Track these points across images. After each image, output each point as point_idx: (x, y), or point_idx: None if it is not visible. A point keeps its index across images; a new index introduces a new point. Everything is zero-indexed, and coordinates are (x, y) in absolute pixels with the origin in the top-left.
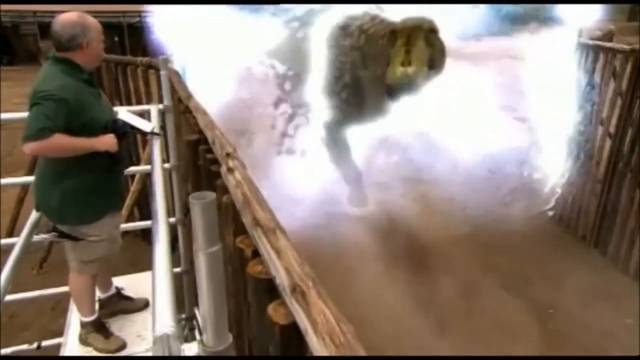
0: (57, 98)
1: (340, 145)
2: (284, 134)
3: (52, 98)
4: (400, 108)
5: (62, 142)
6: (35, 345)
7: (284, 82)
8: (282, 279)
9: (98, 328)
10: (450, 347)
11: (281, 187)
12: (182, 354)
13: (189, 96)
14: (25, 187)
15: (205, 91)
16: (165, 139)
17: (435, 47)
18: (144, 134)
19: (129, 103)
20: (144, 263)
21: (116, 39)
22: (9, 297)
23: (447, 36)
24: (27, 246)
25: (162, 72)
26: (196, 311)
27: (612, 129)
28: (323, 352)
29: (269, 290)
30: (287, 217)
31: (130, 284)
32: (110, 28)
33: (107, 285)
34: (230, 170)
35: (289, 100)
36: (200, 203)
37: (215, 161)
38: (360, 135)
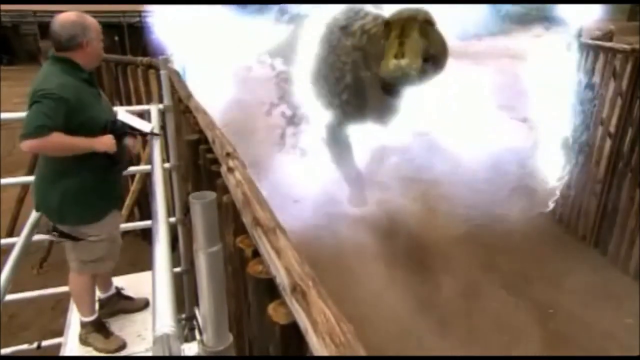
0: (56, 97)
1: (341, 145)
2: (284, 134)
3: (51, 97)
4: (401, 108)
5: (60, 141)
6: (35, 345)
7: (284, 82)
8: (282, 279)
9: (98, 328)
10: (451, 347)
11: (281, 187)
12: (182, 354)
13: (189, 96)
14: (25, 187)
15: (205, 91)
16: (166, 138)
17: (431, 39)
18: (143, 134)
19: (129, 103)
20: (144, 263)
21: (116, 38)
22: (9, 297)
23: (447, 36)
24: (27, 246)
25: (162, 72)
26: (196, 311)
27: (612, 129)
28: (323, 352)
29: (269, 290)
30: (287, 217)
31: (130, 283)
32: (110, 28)
33: (107, 285)
34: (230, 169)
35: (289, 101)
36: (201, 203)
37: (216, 161)
38: (361, 136)
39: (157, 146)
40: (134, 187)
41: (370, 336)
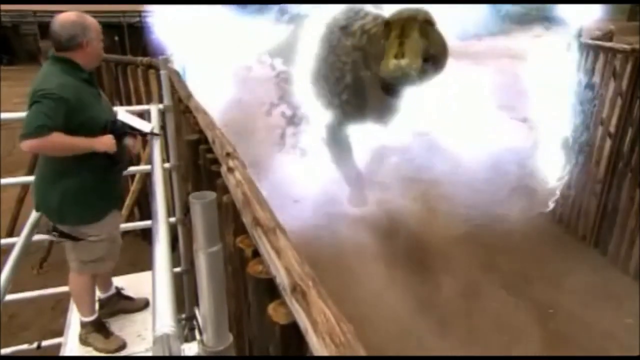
0: (56, 97)
1: (341, 146)
2: (284, 134)
3: (51, 97)
4: (401, 108)
5: (60, 141)
6: (35, 345)
7: (284, 82)
8: (282, 279)
9: (98, 328)
10: (451, 347)
11: (281, 187)
12: (182, 354)
13: (189, 96)
14: (25, 187)
15: (205, 91)
16: (165, 138)
17: (431, 39)
18: (143, 134)
19: (129, 103)
20: (144, 263)
21: (116, 38)
22: (9, 297)
23: (447, 36)
24: (27, 246)
25: (162, 72)
26: (196, 311)
27: (612, 129)
28: (323, 352)
29: (269, 290)
30: (287, 217)
31: (130, 283)
32: (110, 28)
33: (107, 285)
34: (230, 169)
35: (289, 101)
36: (201, 203)
37: (216, 161)
38: (361, 136)
39: (157, 146)
40: (134, 187)
41: (370, 336)
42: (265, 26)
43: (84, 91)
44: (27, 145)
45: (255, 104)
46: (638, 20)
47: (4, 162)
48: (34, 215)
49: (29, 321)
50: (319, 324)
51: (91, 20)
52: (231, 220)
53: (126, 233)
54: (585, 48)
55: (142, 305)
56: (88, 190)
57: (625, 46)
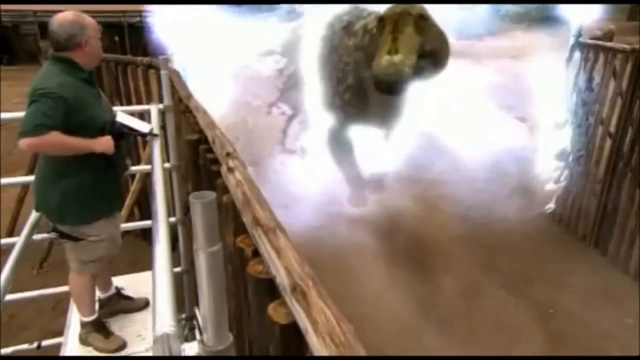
0: (55, 96)
1: (342, 146)
2: (284, 134)
3: (50, 96)
4: (404, 109)
5: (58, 140)
6: (35, 345)
7: (284, 82)
8: (282, 279)
9: (98, 328)
10: (451, 346)
11: (281, 187)
12: (182, 354)
13: (189, 96)
14: (25, 187)
15: (205, 91)
16: (166, 138)
17: (427, 34)
18: (142, 135)
19: (129, 103)
20: (144, 263)
21: (116, 38)
22: (9, 297)
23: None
24: (27, 246)
25: (163, 72)
26: (196, 311)
27: (612, 129)
28: (323, 352)
29: (269, 289)
30: (287, 217)
31: (130, 283)
32: (111, 28)
33: (107, 285)
34: (230, 169)
35: (289, 101)
36: (201, 202)
37: (216, 161)
38: (362, 136)
39: (157, 146)
40: (134, 187)
41: (370, 336)
42: (265, 26)
43: (83, 91)
44: (25, 143)
45: (256, 104)
46: (638, 20)
47: (4, 162)
48: (34, 215)
49: (29, 321)
50: (319, 324)
51: (89, 20)
52: (231, 220)
53: (126, 233)
54: (585, 48)
55: (142, 305)
56: (88, 190)
57: (625, 46)
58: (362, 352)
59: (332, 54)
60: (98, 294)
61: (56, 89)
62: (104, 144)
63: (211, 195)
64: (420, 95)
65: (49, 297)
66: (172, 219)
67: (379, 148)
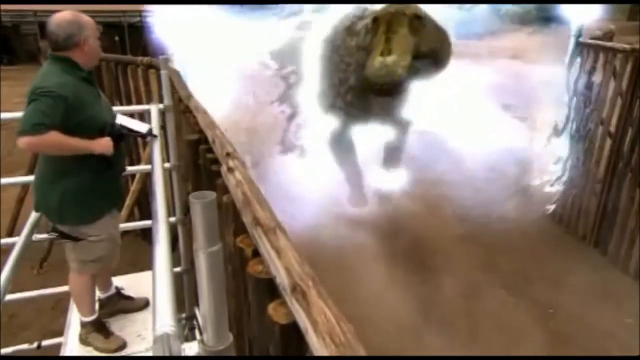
0: (55, 95)
1: (344, 147)
2: (285, 134)
3: (50, 95)
4: (407, 110)
5: (57, 140)
6: (35, 344)
7: (285, 82)
8: (282, 279)
9: (98, 328)
10: (451, 346)
11: (281, 187)
12: (182, 354)
13: (189, 96)
14: (25, 186)
15: (205, 91)
16: (166, 138)
17: (423, 35)
18: (142, 136)
19: (129, 103)
20: (144, 263)
21: (116, 38)
22: (9, 297)
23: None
24: (27, 246)
25: (163, 72)
26: (196, 311)
27: (612, 129)
28: (323, 352)
29: (269, 289)
30: (287, 217)
31: (130, 283)
32: (111, 28)
33: (107, 285)
34: (230, 169)
35: (290, 101)
36: (201, 202)
37: (216, 161)
38: (363, 137)
39: (157, 146)
40: (134, 187)
41: (370, 336)
42: (265, 26)
43: (83, 90)
44: (24, 142)
45: (256, 104)
46: (638, 20)
47: (4, 162)
48: (34, 215)
49: (29, 321)
50: (319, 324)
51: (87, 19)
52: (231, 220)
53: (126, 233)
54: (585, 48)
55: (142, 305)
56: (88, 190)
57: (625, 46)
58: (362, 352)
59: (333, 54)
60: (98, 294)
61: (55, 88)
62: (103, 145)
63: (211, 195)
64: (420, 95)
65: (49, 297)
66: (172, 219)
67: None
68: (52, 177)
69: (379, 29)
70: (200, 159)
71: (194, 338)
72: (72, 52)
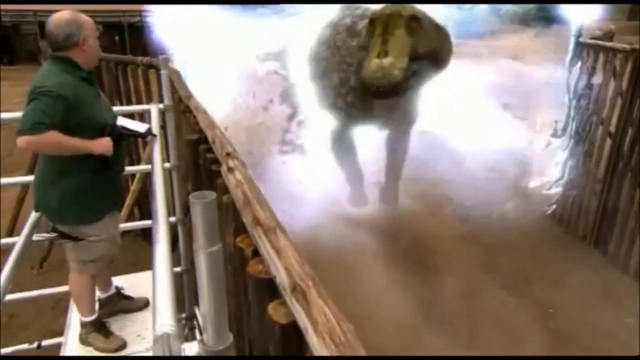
0: (54, 94)
1: (345, 147)
2: (285, 134)
3: (49, 94)
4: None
5: (56, 140)
6: (35, 344)
7: (285, 82)
8: (282, 279)
9: (98, 328)
10: (451, 346)
11: (281, 186)
12: (182, 354)
13: (189, 96)
14: (25, 186)
15: (206, 91)
16: (166, 138)
17: (420, 36)
18: (141, 136)
19: (129, 102)
20: (144, 262)
21: (116, 38)
22: (9, 297)
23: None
24: (27, 246)
25: (163, 72)
26: (196, 310)
27: (612, 129)
28: (323, 352)
29: (269, 289)
30: (287, 217)
31: (130, 283)
32: (111, 27)
33: (107, 285)
34: (230, 169)
35: (290, 101)
36: (201, 202)
37: (216, 160)
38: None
39: (157, 146)
40: (134, 187)
41: (370, 336)
42: (265, 26)
43: (82, 90)
44: (24, 141)
45: (256, 104)
46: (638, 20)
47: (4, 162)
48: (34, 215)
49: (29, 321)
50: (319, 324)
51: (86, 19)
52: (231, 220)
53: (126, 233)
54: (585, 48)
55: (142, 305)
56: (88, 190)
57: (625, 46)
58: (362, 352)
59: (334, 54)
60: (98, 294)
61: (55, 87)
62: (103, 145)
63: (211, 195)
64: (421, 96)
65: (49, 297)
66: (172, 219)
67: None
68: (52, 177)
69: (375, 31)
70: (200, 158)
71: (194, 338)
72: (71, 52)
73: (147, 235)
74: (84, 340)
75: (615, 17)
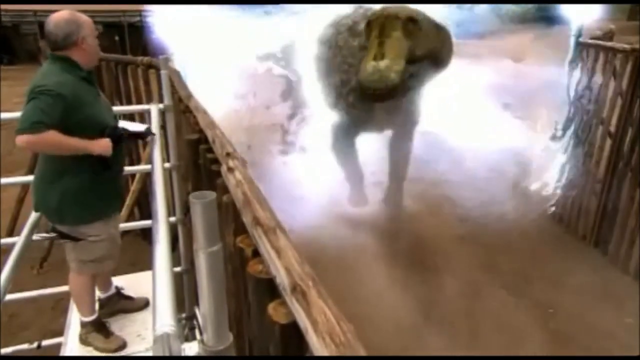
0: (54, 94)
1: (346, 148)
2: (285, 135)
3: (49, 93)
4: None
5: (56, 139)
6: (35, 344)
7: (285, 82)
8: (282, 279)
9: (98, 328)
10: (451, 346)
11: (281, 186)
12: (182, 354)
13: (189, 96)
14: (25, 186)
15: (206, 91)
16: (166, 138)
17: (418, 38)
18: (142, 136)
19: (129, 102)
20: (144, 262)
21: (116, 38)
22: (9, 297)
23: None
24: (27, 246)
25: (163, 72)
26: (196, 310)
27: (612, 129)
28: (323, 352)
29: (269, 289)
30: (287, 217)
31: (130, 283)
32: (111, 27)
33: (107, 285)
34: (230, 169)
35: (290, 101)
36: (201, 202)
37: (216, 160)
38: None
39: (157, 146)
40: (134, 187)
41: (370, 336)
42: (265, 26)
43: (82, 89)
44: (23, 140)
45: (256, 104)
46: (638, 20)
47: (4, 162)
48: (34, 215)
49: (29, 321)
50: (319, 324)
51: (85, 18)
52: (231, 220)
53: (126, 233)
54: (585, 48)
55: (142, 305)
56: (87, 190)
57: (625, 46)
58: (362, 352)
59: (336, 55)
60: (98, 294)
61: (55, 86)
62: (102, 145)
63: (211, 195)
64: (422, 96)
65: (49, 297)
66: (172, 219)
67: None
68: (52, 177)
69: (372, 33)
70: (200, 158)
71: (194, 338)
72: (71, 52)
73: (147, 235)
74: (84, 340)
75: (615, 17)
